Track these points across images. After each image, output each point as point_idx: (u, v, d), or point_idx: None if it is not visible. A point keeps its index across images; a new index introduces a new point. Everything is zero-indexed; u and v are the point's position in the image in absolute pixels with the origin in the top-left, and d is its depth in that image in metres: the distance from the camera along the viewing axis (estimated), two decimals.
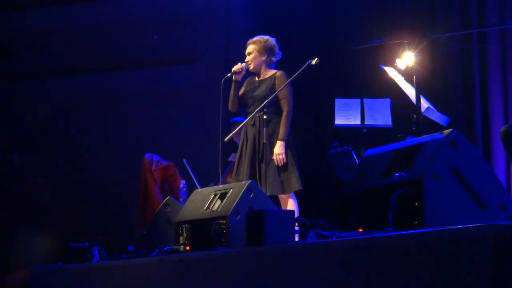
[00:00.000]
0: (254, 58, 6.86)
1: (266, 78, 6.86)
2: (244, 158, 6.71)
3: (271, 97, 6.56)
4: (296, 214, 6.31)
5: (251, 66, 6.86)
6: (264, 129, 6.51)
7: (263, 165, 6.52)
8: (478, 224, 3.33)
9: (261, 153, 6.58)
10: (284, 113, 6.70)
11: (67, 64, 10.40)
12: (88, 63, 10.35)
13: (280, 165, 6.56)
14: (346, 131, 8.15)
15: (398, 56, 6.79)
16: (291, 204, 6.63)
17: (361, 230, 4.63)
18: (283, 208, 6.65)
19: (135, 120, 10.10)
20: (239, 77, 6.83)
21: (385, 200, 4.31)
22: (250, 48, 6.89)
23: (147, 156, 8.39)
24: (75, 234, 8.33)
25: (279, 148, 6.56)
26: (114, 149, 10.09)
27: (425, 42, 6.57)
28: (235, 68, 6.80)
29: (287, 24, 9.34)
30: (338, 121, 8.02)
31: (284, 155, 6.55)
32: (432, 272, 3.41)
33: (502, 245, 3.13)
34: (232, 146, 8.00)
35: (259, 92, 6.79)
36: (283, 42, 8.90)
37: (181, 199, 7.17)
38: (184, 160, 7.98)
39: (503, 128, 5.27)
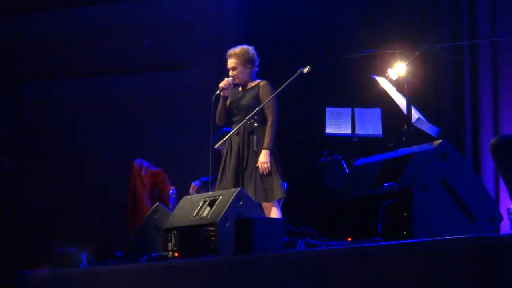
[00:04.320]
0: (239, 72, 6.87)
1: (250, 88, 6.88)
2: (228, 167, 6.74)
3: (259, 106, 6.58)
4: None
5: (237, 80, 6.87)
6: (254, 136, 6.55)
7: (247, 173, 6.57)
8: (466, 236, 3.33)
9: (246, 161, 6.63)
10: (269, 122, 6.72)
11: (56, 69, 10.37)
12: (78, 68, 10.32)
13: (264, 173, 6.58)
14: (337, 140, 8.15)
15: (390, 66, 6.81)
16: (274, 212, 6.64)
17: (349, 239, 4.64)
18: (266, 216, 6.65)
19: (125, 125, 10.08)
20: (226, 93, 6.85)
21: (374, 209, 4.32)
22: (233, 62, 6.87)
23: (137, 162, 8.37)
24: (63, 239, 8.29)
25: (264, 157, 6.59)
26: (103, 154, 10.05)
27: (416, 53, 6.59)
28: (223, 84, 6.81)
29: (279, 32, 9.34)
30: (329, 130, 8.03)
31: (269, 164, 6.58)
32: (420, 282, 3.41)
33: (491, 257, 3.14)
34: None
35: (243, 102, 6.81)
36: (275, 50, 8.95)
37: (170, 206, 7.16)
38: None
39: (493, 140, 5.27)
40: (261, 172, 6.58)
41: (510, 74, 7.96)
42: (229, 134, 6.77)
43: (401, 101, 6.78)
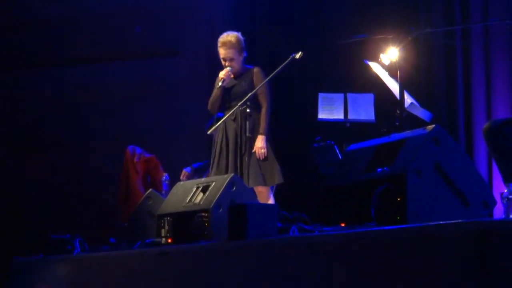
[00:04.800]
0: (236, 62, 6.86)
1: (244, 74, 6.88)
2: (224, 152, 6.75)
3: (252, 92, 6.62)
4: None
5: (234, 70, 6.86)
6: (247, 122, 6.57)
7: (246, 158, 6.61)
8: (460, 221, 3.34)
9: (244, 146, 6.62)
10: (264, 108, 6.79)
11: (45, 56, 10.33)
12: (69, 54, 10.29)
13: (261, 158, 6.63)
14: (329, 126, 8.15)
15: (382, 51, 6.80)
16: (268, 198, 6.69)
17: (343, 225, 4.64)
18: (259, 201, 6.68)
19: (117, 112, 10.06)
20: (226, 83, 6.83)
21: (368, 195, 4.32)
22: (231, 53, 6.85)
23: (130, 148, 8.36)
24: (56, 225, 8.28)
25: (260, 142, 6.66)
26: (95, 141, 10.04)
27: (409, 38, 6.59)
28: (224, 75, 6.78)
29: (271, 17, 9.33)
30: (321, 115, 8.03)
31: (265, 149, 6.63)
32: (413, 267, 3.42)
33: (485, 242, 3.14)
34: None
35: (238, 88, 6.83)
36: (267, 36, 8.94)
37: (163, 192, 7.16)
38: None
39: (486, 125, 5.29)
40: (258, 157, 6.62)
41: (503, 59, 7.96)
42: (222, 120, 6.77)
43: (394, 86, 6.78)
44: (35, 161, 10.13)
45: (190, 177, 7.87)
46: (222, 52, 6.89)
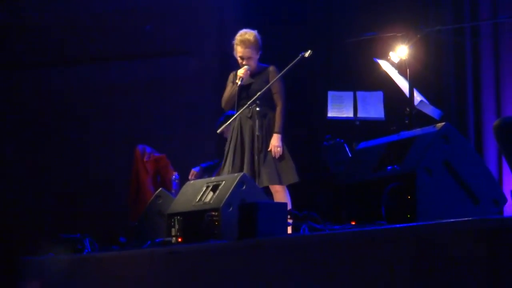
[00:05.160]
0: (253, 61, 6.87)
1: (259, 73, 6.88)
2: (239, 150, 6.75)
3: (263, 89, 6.64)
4: (289, 207, 6.39)
5: (252, 67, 6.86)
6: (257, 121, 6.57)
7: (262, 156, 6.66)
8: (470, 219, 3.33)
9: (261, 145, 6.66)
10: (279, 107, 6.82)
11: (56, 55, 10.34)
12: (79, 53, 10.30)
13: (277, 157, 6.64)
14: (339, 124, 8.15)
15: (392, 49, 6.80)
16: (284, 197, 6.69)
17: (353, 223, 4.64)
18: (276, 200, 6.69)
19: (127, 111, 10.07)
20: (244, 81, 6.83)
21: (378, 193, 4.32)
22: (249, 52, 6.85)
23: (139, 148, 8.37)
24: (66, 225, 8.30)
25: (276, 141, 6.68)
26: (106, 141, 10.06)
27: (418, 36, 6.58)
28: (243, 74, 6.77)
29: (280, 16, 9.32)
30: (331, 113, 8.02)
31: (281, 148, 6.65)
32: (424, 266, 3.42)
33: (495, 240, 3.14)
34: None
35: (255, 86, 6.83)
36: (277, 34, 8.92)
37: (173, 191, 7.17)
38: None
39: (496, 122, 5.27)
40: (274, 156, 6.62)
41: None
42: (234, 116, 6.76)
43: (404, 84, 6.77)
44: (46, 160, 10.15)
45: (199, 176, 7.88)
46: (240, 50, 6.87)
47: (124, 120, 10.04)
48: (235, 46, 6.91)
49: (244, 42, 6.85)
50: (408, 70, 6.49)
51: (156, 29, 10.07)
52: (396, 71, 6.89)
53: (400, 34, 6.66)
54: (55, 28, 10.28)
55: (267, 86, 6.68)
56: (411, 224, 3.80)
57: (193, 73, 9.92)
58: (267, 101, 6.73)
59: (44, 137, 10.26)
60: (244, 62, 6.85)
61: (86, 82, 10.30)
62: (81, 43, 10.24)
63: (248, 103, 6.63)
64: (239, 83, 6.77)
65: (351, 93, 8.04)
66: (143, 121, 9.96)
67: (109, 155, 9.89)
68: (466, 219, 3.36)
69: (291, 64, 6.71)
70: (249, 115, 6.76)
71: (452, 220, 3.47)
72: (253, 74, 6.89)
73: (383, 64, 7.00)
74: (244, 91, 6.85)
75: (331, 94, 8.08)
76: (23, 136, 10.28)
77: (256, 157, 6.66)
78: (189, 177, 7.93)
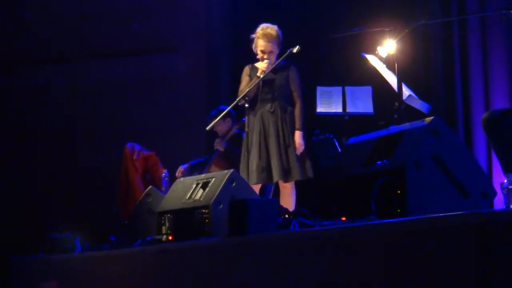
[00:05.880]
0: (274, 55, 6.86)
1: (283, 69, 6.87)
2: (263, 143, 6.75)
3: (251, 84, 6.64)
4: (293, 204, 6.72)
5: (272, 62, 6.85)
6: (286, 115, 6.78)
7: (291, 151, 6.76)
8: (460, 212, 3.33)
9: (287, 140, 6.75)
10: (299, 105, 6.92)
11: (46, 53, 10.31)
12: (67, 52, 10.27)
13: (299, 153, 6.70)
14: (328, 119, 8.15)
15: (380, 44, 6.79)
16: (293, 193, 6.77)
17: (343, 218, 4.64)
18: (284, 196, 6.75)
19: (116, 109, 10.05)
20: (264, 75, 6.82)
21: (367, 188, 4.32)
22: (271, 46, 6.84)
23: (129, 146, 8.35)
24: (56, 224, 8.28)
25: (299, 138, 6.78)
26: (94, 138, 10.03)
27: (406, 30, 6.57)
28: (265, 68, 6.75)
29: (268, 12, 9.30)
30: (320, 109, 8.03)
31: (304, 145, 6.76)
32: (414, 260, 3.42)
33: (485, 233, 3.14)
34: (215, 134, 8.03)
35: (278, 82, 6.87)
36: None
37: (163, 189, 7.15)
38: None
39: (484, 115, 5.28)
40: (297, 152, 6.71)
41: (500, 49, 7.95)
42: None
43: (392, 79, 6.76)
44: (34, 159, 10.12)
45: (186, 173, 7.87)
46: (262, 44, 6.85)
47: (113, 118, 10.01)
48: (255, 39, 6.89)
49: (266, 36, 6.85)
50: (396, 64, 6.48)
51: (143, 27, 10.04)
52: (384, 66, 6.88)
53: (388, 29, 6.65)
54: (43, 26, 10.25)
55: (259, 79, 6.69)
56: (401, 218, 3.80)
57: (181, 70, 9.90)
58: (287, 97, 6.81)
59: (32, 135, 10.23)
60: (265, 56, 6.83)
61: (74, 80, 10.27)
62: (68, 41, 10.21)
63: (274, 97, 6.70)
64: (261, 76, 6.75)
65: (339, 88, 8.05)
66: (132, 119, 9.94)
67: (98, 153, 9.86)
68: (456, 213, 3.36)
69: (279, 60, 6.74)
70: (271, 110, 6.78)
71: (442, 214, 3.48)
72: (274, 70, 6.87)
73: (371, 59, 7.00)
74: (267, 85, 6.84)
75: (319, 89, 8.09)
76: (12, 134, 10.24)
77: (284, 151, 6.70)
78: (176, 174, 7.92)
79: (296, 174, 6.72)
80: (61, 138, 10.14)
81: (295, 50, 6.65)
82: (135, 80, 10.12)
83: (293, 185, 6.86)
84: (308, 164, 6.81)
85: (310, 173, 6.83)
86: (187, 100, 9.63)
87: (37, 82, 10.36)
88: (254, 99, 6.83)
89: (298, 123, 6.83)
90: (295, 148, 6.76)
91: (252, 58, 7.08)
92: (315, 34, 9.03)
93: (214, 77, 7.68)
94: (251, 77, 6.91)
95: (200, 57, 9.78)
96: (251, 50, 7.02)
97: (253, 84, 6.75)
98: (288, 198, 6.79)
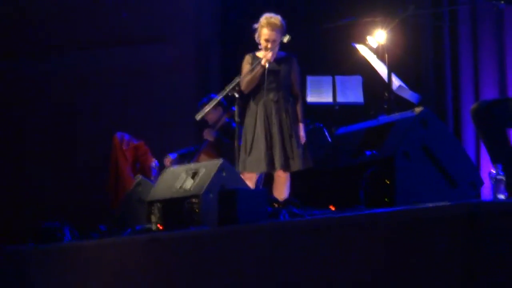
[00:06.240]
0: (277, 44, 6.84)
1: (286, 60, 6.85)
2: (268, 132, 6.76)
3: (237, 78, 6.61)
4: (287, 193, 6.71)
5: (275, 52, 6.83)
6: (288, 106, 6.75)
7: (293, 141, 6.75)
8: (448, 203, 3.35)
9: (289, 129, 6.75)
10: (300, 97, 6.93)
11: (33, 42, 10.28)
12: (56, 41, 10.24)
13: (301, 143, 6.78)
14: (318, 109, 8.15)
15: (370, 34, 6.80)
16: (287, 183, 6.77)
17: (332, 208, 4.65)
18: (278, 185, 6.78)
19: (105, 99, 10.03)
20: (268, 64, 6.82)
21: (357, 178, 4.33)
22: (275, 35, 6.81)
23: (118, 135, 8.34)
24: (45, 213, 8.27)
25: (302, 130, 6.79)
26: (84, 128, 10.02)
27: (396, 20, 6.58)
28: (269, 57, 6.74)
29: (258, 2, 9.29)
30: (310, 98, 8.03)
31: (305, 137, 6.78)
32: (402, 250, 3.43)
33: (473, 223, 3.16)
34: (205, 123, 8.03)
35: (282, 72, 6.85)
36: (254, 20, 8.89)
37: (152, 178, 7.15)
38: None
39: (473, 106, 5.30)
40: (301, 142, 6.77)
41: (490, 39, 7.96)
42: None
43: (382, 69, 6.78)
44: (21, 149, 10.10)
45: (175, 163, 7.86)
46: (266, 32, 6.81)
47: (101, 107, 10.00)
48: (259, 29, 6.84)
49: (271, 25, 6.82)
50: (386, 55, 6.50)
51: (132, 17, 10.01)
52: (375, 56, 6.89)
53: (378, 19, 6.66)
54: (29, 18, 10.21)
55: (247, 72, 6.68)
56: (389, 208, 3.82)
57: (170, 60, 9.88)
58: (288, 88, 6.82)
59: (22, 125, 10.21)
60: (269, 46, 6.81)
61: (62, 71, 10.24)
62: (58, 31, 10.18)
63: (278, 87, 6.72)
64: (266, 65, 6.73)
65: (330, 78, 8.05)
66: (121, 108, 9.93)
67: (87, 142, 9.85)
68: (444, 203, 3.37)
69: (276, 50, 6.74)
70: (275, 99, 6.78)
71: (430, 204, 3.49)
72: (278, 60, 6.85)
73: (361, 49, 7.01)
74: (271, 75, 6.83)
75: (310, 79, 8.08)
76: (1, 124, 10.21)
77: (288, 141, 6.74)
78: (165, 163, 7.92)
79: (298, 164, 6.72)
80: (50, 128, 10.12)
81: (285, 40, 6.64)
82: (124, 70, 10.10)
83: (289, 175, 6.86)
84: (308, 155, 6.83)
85: (310, 163, 6.85)
86: (176, 90, 9.62)
87: (25, 72, 10.33)
88: (255, 88, 6.81)
89: (300, 115, 6.84)
90: (297, 138, 6.77)
91: (242, 48, 7.06)
92: (306, 24, 9.02)
93: (203, 67, 7.67)
94: (252, 65, 6.89)
95: (189, 47, 9.77)
96: (240, 40, 7.01)
97: (258, 73, 6.75)
98: (282, 188, 6.79)
